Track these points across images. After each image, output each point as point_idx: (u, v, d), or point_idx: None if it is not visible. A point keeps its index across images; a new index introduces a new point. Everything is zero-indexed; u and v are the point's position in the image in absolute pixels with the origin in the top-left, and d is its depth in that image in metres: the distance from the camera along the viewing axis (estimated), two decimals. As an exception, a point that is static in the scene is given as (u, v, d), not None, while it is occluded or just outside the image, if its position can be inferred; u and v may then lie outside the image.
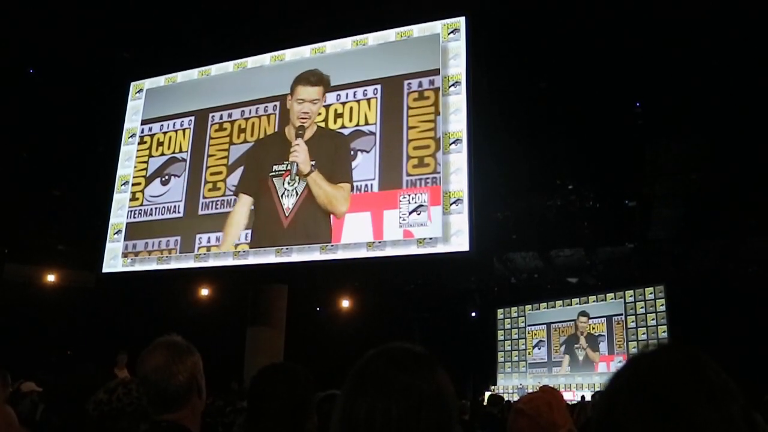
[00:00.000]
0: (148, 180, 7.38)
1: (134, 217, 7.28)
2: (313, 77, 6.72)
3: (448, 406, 1.02)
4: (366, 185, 6.20)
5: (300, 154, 6.48)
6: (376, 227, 6.01)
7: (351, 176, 6.30)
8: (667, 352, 0.89)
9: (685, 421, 0.79)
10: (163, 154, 7.40)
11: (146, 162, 7.47)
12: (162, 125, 7.50)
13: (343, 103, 6.57)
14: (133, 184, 7.42)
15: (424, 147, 6.02)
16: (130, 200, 7.37)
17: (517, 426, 2.03)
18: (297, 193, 6.46)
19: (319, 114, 6.65)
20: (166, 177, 7.30)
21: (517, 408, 2.07)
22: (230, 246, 6.68)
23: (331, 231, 6.21)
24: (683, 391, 0.81)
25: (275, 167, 6.63)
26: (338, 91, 6.64)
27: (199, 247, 6.81)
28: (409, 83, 6.28)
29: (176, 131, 7.41)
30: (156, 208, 7.22)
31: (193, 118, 7.37)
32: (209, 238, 6.80)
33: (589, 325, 15.20)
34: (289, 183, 6.50)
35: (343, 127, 6.50)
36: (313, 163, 6.45)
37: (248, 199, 6.77)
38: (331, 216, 6.25)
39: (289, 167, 6.52)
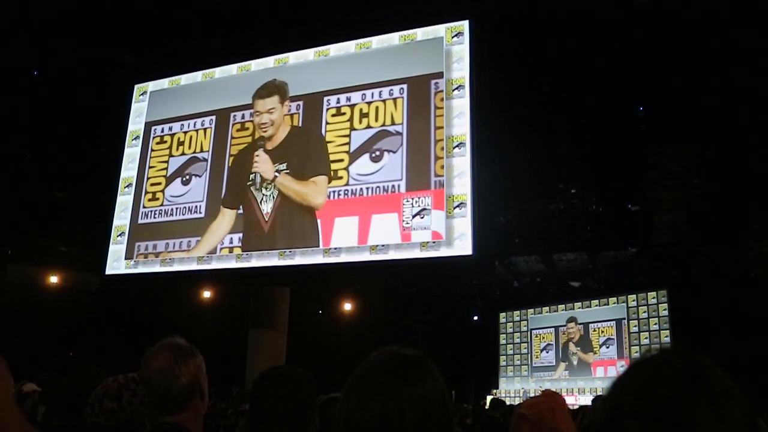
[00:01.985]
0: (169, 180, 7.36)
1: (155, 218, 7.26)
2: (263, 91, 6.95)
3: (449, 408, 1.08)
4: (393, 186, 6.16)
5: (260, 164, 6.67)
6: (403, 227, 5.98)
7: (326, 167, 6.42)
8: (669, 357, 0.89)
9: (687, 426, 0.79)
10: (183, 154, 7.39)
11: (167, 161, 7.46)
12: (183, 125, 7.49)
13: (369, 103, 6.53)
14: (152, 184, 7.40)
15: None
16: (150, 200, 7.34)
17: (519, 431, 2.03)
18: (273, 197, 6.58)
19: (344, 114, 6.63)
20: (187, 177, 7.29)
21: (520, 413, 2.06)
22: (199, 252, 6.84)
23: (317, 229, 6.28)
24: (685, 395, 0.81)
25: (252, 176, 6.76)
26: (362, 91, 6.61)
27: (221, 248, 6.79)
28: (437, 83, 6.23)
29: (197, 131, 7.40)
30: (177, 208, 7.21)
31: (214, 117, 7.37)
32: (231, 238, 6.78)
33: (577, 329, 15.21)
34: (265, 189, 6.63)
35: (368, 127, 6.49)
36: (284, 166, 6.57)
37: (230, 212, 6.86)
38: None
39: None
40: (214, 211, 6.99)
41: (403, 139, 6.24)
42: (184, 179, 7.30)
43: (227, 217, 6.85)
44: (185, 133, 7.46)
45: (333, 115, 6.67)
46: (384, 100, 6.48)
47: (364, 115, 6.52)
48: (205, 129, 7.38)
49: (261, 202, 6.64)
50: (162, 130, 7.60)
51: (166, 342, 1.97)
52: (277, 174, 6.56)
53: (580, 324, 15.24)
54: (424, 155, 6.07)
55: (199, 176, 7.23)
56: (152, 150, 7.57)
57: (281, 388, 1.93)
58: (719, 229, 11.28)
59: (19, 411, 1.01)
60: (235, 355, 9.00)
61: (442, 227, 5.73)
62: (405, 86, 6.41)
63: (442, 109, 6.11)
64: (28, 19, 7.22)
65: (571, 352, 15.23)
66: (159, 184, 7.40)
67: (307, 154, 6.57)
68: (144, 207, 7.37)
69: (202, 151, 7.32)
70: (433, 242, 5.73)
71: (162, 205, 7.29)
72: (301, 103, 6.93)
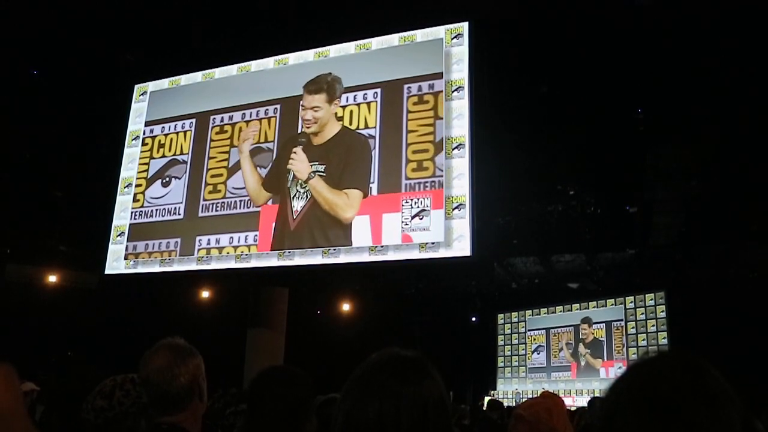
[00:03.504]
0: (149, 181, 7.40)
1: (135, 219, 7.31)
2: (312, 86, 6.69)
3: (447, 409, 1.08)
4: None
5: (296, 162, 6.42)
6: (375, 231, 6.01)
7: (364, 181, 6.20)
8: (667, 359, 0.89)
9: (685, 428, 0.80)
10: (164, 156, 7.42)
11: (147, 164, 7.49)
12: (163, 127, 7.53)
13: (343, 107, 6.58)
14: (135, 186, 7.45)
15: (423, 151, 6.04)
16: (132, 201, 7.40)
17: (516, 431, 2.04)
18: (306, 197, 6.41)
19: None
20: (167, 179, 7.32)
21: (517, 414, 2.07)
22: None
23: (348, 235, 6.14)
24: (683, 397, 0.82)
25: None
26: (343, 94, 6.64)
27: (198, 249, 6.82)
28: (409, 87, 6.29)
29: (177, 133, 7.43)
30: (156, 210, 7.24)
31: (194, 120, 7.39)
32: (209, 240, 6.81)
33: (591, 331, 15.19)
34: (301, 185, 6.46)
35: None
36: (322, 168, 6.37)
37: (263, 192, 6.77)
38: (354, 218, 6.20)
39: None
40: (193, 213, 7.01)
41: (376, 143, 6.28)
42: (164, 181, 7.32)
43: (261, 193, 6.79)
44: (165, 135, 7.48)
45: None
46: (358, 104, 6.50)
47: (338, 118, 6.55)
48: (185, 132, 7.39)
49: (293, 198, 6.48)
50: (144, 132, 7.62)
51: (165, 342, 1.97)
52: (312, 175, 6.36)
53: (594, 325, 15.20)
54: (396, 159, 6.11)
55: (179, 178, 7.25)
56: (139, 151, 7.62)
57: (278, 388, 1.93)
58: (717, 231, 11.29)
59: (30, 421, 1.00)
60: (233, 355, 8.99)
61: (441, 228, 5.74)
62: (379, 90, 6.44)
63: (414, 113, 6.17)
64: (28, 18, 7.22)
65: (581, 353, 15.23)
66: (140, 185, 7.43)
67: (348, 162, 6.34)
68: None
69: (182, 153, 7.33)
70: (432, 243, 5.73)
71: (142, 206, 7.32)
72: (278, 106, 6.95)
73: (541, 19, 6.75)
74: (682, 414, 0.81)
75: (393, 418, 0.99)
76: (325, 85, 6.65)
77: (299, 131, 6.71)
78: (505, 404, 8.70)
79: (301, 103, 6.73)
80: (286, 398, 1.90)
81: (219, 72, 7.45)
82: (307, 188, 6.39)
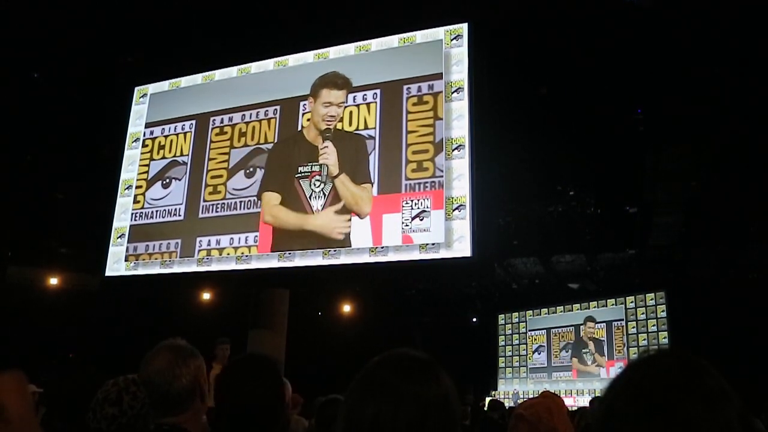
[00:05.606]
0: (150, 183, 7.40)
1: (135, 220, 7.31)
2: (339, 80, 6.64)
3: (453, 412, 1.05)
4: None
5: (330, 156, 6.38)
6: (375, 232, 6.01)
7: (371, 177, 6.22)
8: (664, 358, 0.90)
9: (682, 427, 0.80)
10: (164, 158, 7.42)
11: (147, 165, 7.49)
12: (164, 128, 7.53)
13: (344, 107, 6.58)
14: (135, 187, 7.45)
15: (423, 151, 6.03)
16: (132, 203, 7.40)
17: (517, 431, 2.05)
18: (324, 195, 6.37)
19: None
20: (167, 180, 7.32)
21: (518, 413, 2.08)
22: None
23: (347, 235, 6.16)
24: (680, 396, 0.82)
25: (300, 168, 6.53)
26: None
27: (199, 250, 6.81)
28: (409, 88, 6.29)
29: (177, 134, 7.43)
30: (157, 211, 7.25)
31: (194, 121, 7.39)
32: (209, 241, 6.80)
33: (595, 329, 15.21)
34: (315, 185, 6.44)
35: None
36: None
37: (274, 195, 6.66)
38: (352, 219, 6.21)
39: (317, 168, 6.44)
40: (193, 214, 7.00)
41: (376, 144, 6.28)
42: (164, 182, 7.32)
43: (271, 201, 6.66)
44: (166, 137, 7.49)
45: (308, 120, 6.68)
46: (357, 105, 6.51)
47: (338, 120, 6.55)
48: (185, 133, 7.39)
49: (310, 198, 6.42)
50: (144, 134, 7.63)
51: (166, 343, 1.97)
52: (341, 171, 6.32)
53: (599, 323, 15.21)
54: (395, 159, 6.10)
55: (179, 179, 7.25)
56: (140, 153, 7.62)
57: (248, 384, 1.83)
58: (717, 232, 11.30)
59: (39, 427, 1.02)
60: (234, 356, 8.99)
61: (441, 229, 5.74)
62: (378, 91, 6.43)
63: (414, 113, 6.16)
64: (28, 20, 7.23)
65: (591, 351, 15.22)
66: (140, 187, 7.43)
67: (359, 159, 6.32)
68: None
69: (182, 154, 7.34)
70: (433, 244, 5.74)
71: (143, 208, 7.32)
72: (278, 107, 6.94)
73: (541, 20, 6.76)
74: (678, 413, 0.81)
75: (390, 417, 0.98)
76: (346, 81, 6.64)
77: (299, 130, 6.72)
78: (506, 404, 8.71)
79: (322, 99, 6.67)
80: (253, 397, 1.80)
81: (219, 74, 7.45)
82: (321, 187, 6.39)
